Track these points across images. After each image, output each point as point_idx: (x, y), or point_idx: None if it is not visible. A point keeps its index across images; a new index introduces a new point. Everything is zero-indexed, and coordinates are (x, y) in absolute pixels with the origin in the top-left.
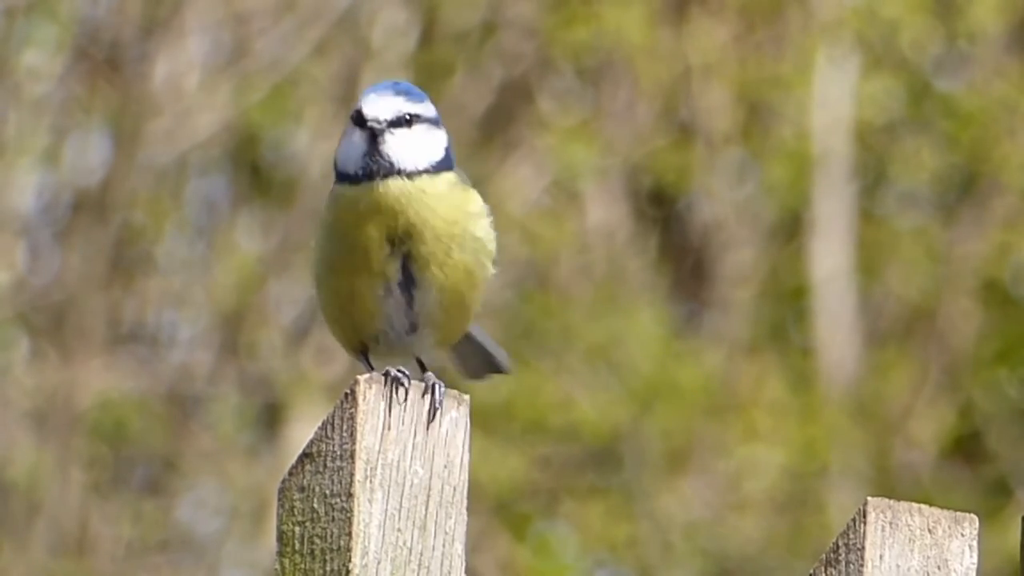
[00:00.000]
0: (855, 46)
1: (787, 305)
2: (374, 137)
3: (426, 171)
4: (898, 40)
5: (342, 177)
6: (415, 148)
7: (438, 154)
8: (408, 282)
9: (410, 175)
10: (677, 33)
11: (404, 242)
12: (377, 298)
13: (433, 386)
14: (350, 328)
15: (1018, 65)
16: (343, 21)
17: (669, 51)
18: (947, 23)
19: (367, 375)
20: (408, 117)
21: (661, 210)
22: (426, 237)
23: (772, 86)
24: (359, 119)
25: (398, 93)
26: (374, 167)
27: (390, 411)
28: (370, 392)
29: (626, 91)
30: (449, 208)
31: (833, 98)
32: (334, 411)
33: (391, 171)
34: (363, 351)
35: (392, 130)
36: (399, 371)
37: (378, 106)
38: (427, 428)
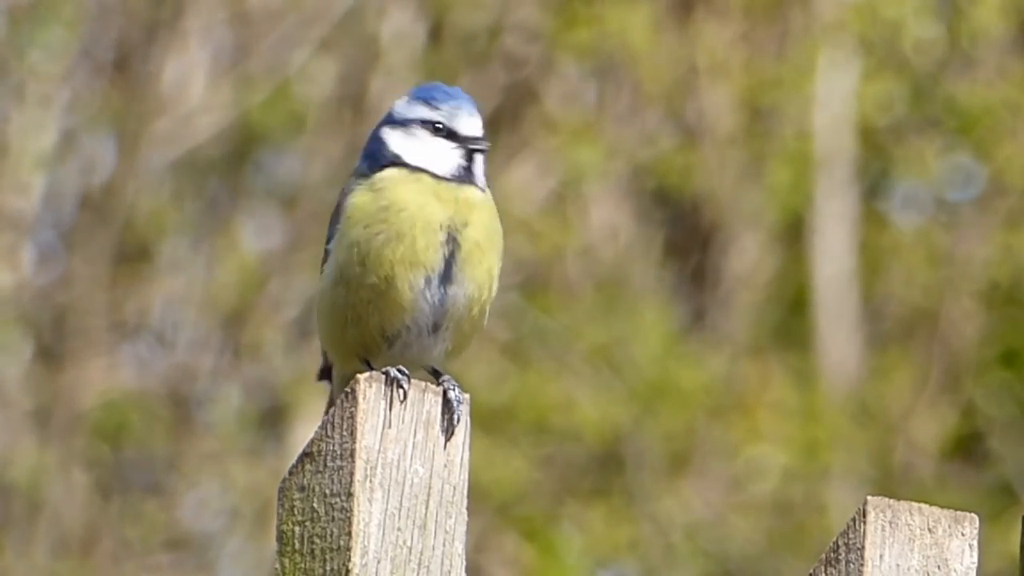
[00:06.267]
0: (857, 47)
1: (790, 306)
2: (471, 155)
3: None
4: (900, 41)
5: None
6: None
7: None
8: (446, 276)
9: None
10: (681, 35)
11: (459, 231)
12: (415, 289)
13: (452, 397)
14: (367, 328)
15: (1021, 66)
16: (349, 23)
17: (673, 53)
18: (950, 24)
19: (367, 374)
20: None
21: (665, 211)
22: (478, 233)
23: (775, 87)
24: (450, 134)
25: (478, 111)
26: (464, 178)
27: (390, 410)
28: (370, 391)
29: (630, 93)
30: (492, 215)
31: (836, 99)
32: (334, 410)
33: (473, 184)
34: (364, 358)
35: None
36: (399, 370)
37: (474, 125)
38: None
